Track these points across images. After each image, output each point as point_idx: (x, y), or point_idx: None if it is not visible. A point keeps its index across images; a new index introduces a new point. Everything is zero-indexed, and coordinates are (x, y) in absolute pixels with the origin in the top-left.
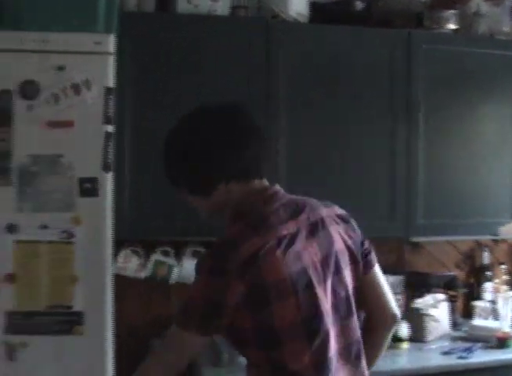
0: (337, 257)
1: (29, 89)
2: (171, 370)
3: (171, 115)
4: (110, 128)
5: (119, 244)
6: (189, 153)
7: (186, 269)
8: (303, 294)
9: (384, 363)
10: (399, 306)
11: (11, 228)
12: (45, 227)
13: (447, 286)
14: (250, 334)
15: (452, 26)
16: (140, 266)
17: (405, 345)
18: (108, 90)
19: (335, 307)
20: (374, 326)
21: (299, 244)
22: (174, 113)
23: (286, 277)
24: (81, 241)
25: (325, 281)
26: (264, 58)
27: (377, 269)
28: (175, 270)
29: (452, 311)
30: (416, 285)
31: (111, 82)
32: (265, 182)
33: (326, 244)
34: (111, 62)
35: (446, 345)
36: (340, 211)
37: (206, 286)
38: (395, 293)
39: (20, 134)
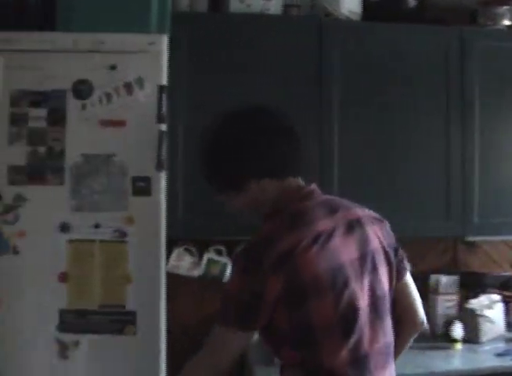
0: (373, 256)
1: (82, 89)
2: (214, 370)
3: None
4: (164, 127)
5: (172, 243)
6: (220, 152)
7: None
8: (340, 291)
9: (437, 363)
10: (454, 306)
11: (64, 227)
12: (97, 226)
13: (502, 286)
14: (287, 333)
15: (506, 22)
16: (193, 265)
17: (458, 346)
18: (161, 88)
19: (371, 305)
20: (401, 330)
21: (336, 241)
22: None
23: (322, 274)
24: (134, 241)
25: (362, 279)
26: (317, 56)
27: (409, 276)
28: (228, 269)
29: (507, 312)
30: (470, 285)
31: (164, 80)
32: (300, 181)
33: (363, 243)
34: (164, 60)
35: (501, 346)
36: (375, 214)
37: (243, 283)
38: (450, 293)
39: (74, 133)
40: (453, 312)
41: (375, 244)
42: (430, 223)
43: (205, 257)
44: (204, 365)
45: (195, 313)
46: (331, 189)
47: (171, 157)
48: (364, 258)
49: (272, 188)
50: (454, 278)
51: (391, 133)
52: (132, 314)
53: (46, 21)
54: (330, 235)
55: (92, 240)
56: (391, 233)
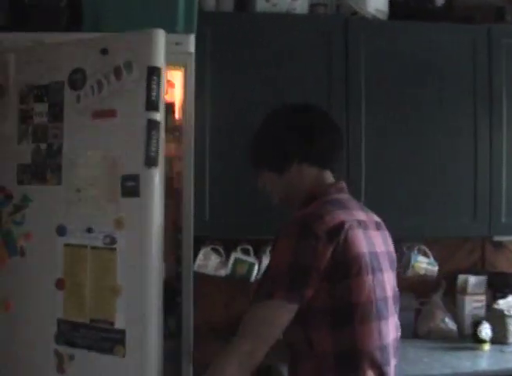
0: (391, 256)
1: (76, 78)
2: (251, 363)
3: (251, 113)
4: (156, 116)
5: (200, 242)
6: (270, 135)
7: None
8: (376, 276)
9: (464, 364)
10: (482, 307)
11: (61, 230)
12: (89, 231)
13: None
14: (326, 310)
15: None
16: (220, 264)
17: (486, 347)
18: (150, 70)
19: (394, 299)
20: None
21: (371, 232)
22: (254, 111)
23: (365, 254)
24: (123, 248)
25: (387, 272)
26: (343, 55)
27: None
28: (255, 268)
29: None
30: (498, 286)
31: (155, 62)
32: (332, 177)
33: (386, 242)
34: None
35: None
36: (378, 219)
37: (295, 249)
38: (477, 293)
39: (70, 128)
40: (481, 312)
41: (390, 247)
42: (458, 223)
43: (232, 256)
44: (240, 356)
45: (222, 312)
46: (358, 189)
47: (198, 158)
48: (387, 255)
49: (311, 175)
50: (482, 278)
51: (418, 133)
52: (121, 333)
53: (73, 22)
54: (367, 225)
55: (85, 246)
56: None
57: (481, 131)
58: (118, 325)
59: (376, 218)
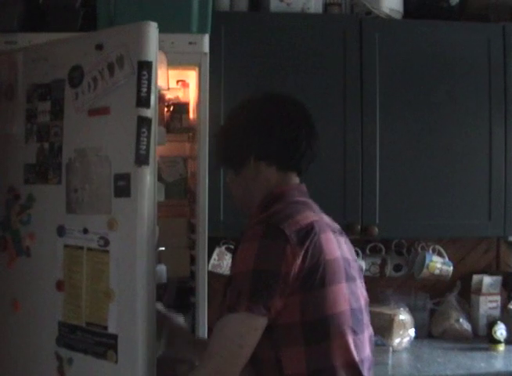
0: (356, 264)
1: (75, 76)
2: None
3: None
4: (147, 113)
5: (214, 242)
6: (228, 127)
7: None
8: (351, 284)
9: (479, 364)
10: (497, 307)
11: (61, 230)
12: (85, 232)
13: None
14: (298, 325)
15: None
16: None
17: (501, 348)
18: (141, 64)
19: (365, 308)
20: None
21: (338, 236)
22: None
23: (339, 259)
24: (115, 250)
25: (359, 280)
26: (358, 55)
27: None
28: None
29: None
30: None
31: (147, 56)
32: (297, 179)
33: (349, 248)
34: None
35: None
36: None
37: (258, 253)
38: (492, 293)
39: (69, 126)
40: (496, 312)
41: (354, 256)
42: (473, 223)
43: None
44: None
45: None
46: (373, 189)
47: (212, 158)
48: (355, 262)
49: (270, 177)
50: (497, 278)
51: (433, 132)
52: (113, 338)
53: (88, 23)
54: (334, 230)
55: (81, 247)
56: None
57: (495, 131)
58: (111, 330)
59: (337, 225)
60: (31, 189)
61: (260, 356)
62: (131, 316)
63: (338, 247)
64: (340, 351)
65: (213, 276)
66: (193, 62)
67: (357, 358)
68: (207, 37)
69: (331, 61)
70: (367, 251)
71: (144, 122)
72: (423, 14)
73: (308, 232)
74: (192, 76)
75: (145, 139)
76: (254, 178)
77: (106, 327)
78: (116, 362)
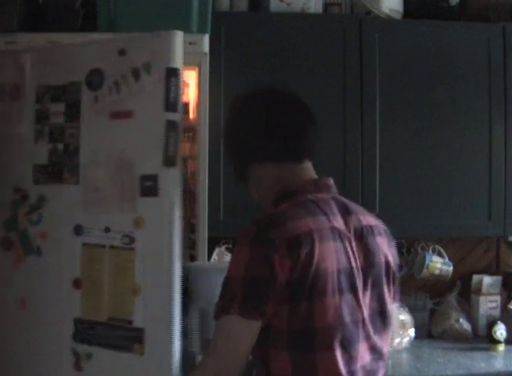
0: (379, 269)
1: (94, 79)
2: None
3: None
4: (174, 116)
5: (214, 242)
6: (226, 133)
7: None
8: (347, 296)
9: (479, 365)
10: (497, 307)
11: (78, 229)
12: (107, 230)
13: None
14: (283, 332)
15: None
16: None
17: (501, 348)
18: (169, 71)
19: (371, 318)
20: None
21: (348, 243)
22: None
23: (334, 271)
24: (142, 247)
25: (365, 290)
26: (358, 55)
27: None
28: None
29: None
30: None
31: (174, 63)
32: (312, 169)
33: (372, 253)
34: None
35: None
36: (384, 226)
37: (248, 259)
38: (492, 293)
39: (87, 128)
40: (496, 312)
41: (381, 257)
42: (473, 223)
43: None
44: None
45: None
46: (373, 188)
47: (212, 158)
48: (370, 268)
49: (281, 172)
50: (497, 278)
51: (433, 132)
52: (140, 331)
53: (88, 23)
54: (343, 235)
55: (103, 246)
56: (395, 250)
57: (495, 131)
58: (137, 324)
59: (374, 222)
60: (43, 190)
61: (253, 355)
62: (160, 309)
63: (338, 257)
64: (324, 364)
65: None
66: (193, 62)
67: (344, 371)
68: (207, 38)
69: (331, 61)
70: None
71: (172, 126)
72: (423, 14)
73: (300, 242)
74: (192, 76)
75: (173, 142)
76: (265, 177)
77: (131, 322)
78: (142, 354)
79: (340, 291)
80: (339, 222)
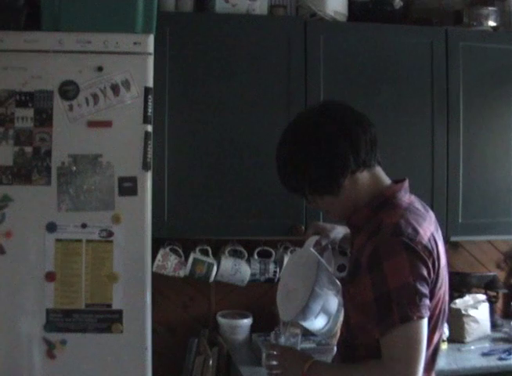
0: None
1: (68, 90)
2: None
3: (211, 115)
4: (149, 128)
5: (159, 243)
6: (307, 156)
7: (225, 267)
8: (445, 289)
9: None
10: None
11: (51, 227)
12: (84, 226)
13: (487, 286)
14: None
15: (491, 23)
16: (179, 265)
17: (444, 346)
18: (147, 90)
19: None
20: None
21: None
22: (214, 113)
23: (444, 266)
24: (120, 240)
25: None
26: (302, 56)
27: None
28: (214, 269)
29: (492, 312)
30: (455, 285)
31: (150, 82)
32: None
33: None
34: (150, 62)
35: (486, 346)
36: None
37: (409, 265)
38: None
39: (61, 134)
40: None
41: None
42: None
43: (191, 257)
44: None
45: (181, 313)
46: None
47: (157, 158)
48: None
49: (367, 180)
50: None
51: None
52: (119, 312)
53: (32, 21)
54: (436, 227)
55: (79, 240)
56: None
57: (438, 132)
58: (115, 306)
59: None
60: (5, 190)
61: (365, 340)
62: (136, 293)
63: (444, 252)
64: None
65: (157, 277)
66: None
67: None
68: (151, 38)
69: (276, 62)
70: None
71: (149, 136)
72: (367, 17)
73: (431, 245)
74: None
75: (150, 149)
76: (355, 188)
77: (110, 305)
78: (121, 332)
79: (444, 284)
80: (430, 223)
